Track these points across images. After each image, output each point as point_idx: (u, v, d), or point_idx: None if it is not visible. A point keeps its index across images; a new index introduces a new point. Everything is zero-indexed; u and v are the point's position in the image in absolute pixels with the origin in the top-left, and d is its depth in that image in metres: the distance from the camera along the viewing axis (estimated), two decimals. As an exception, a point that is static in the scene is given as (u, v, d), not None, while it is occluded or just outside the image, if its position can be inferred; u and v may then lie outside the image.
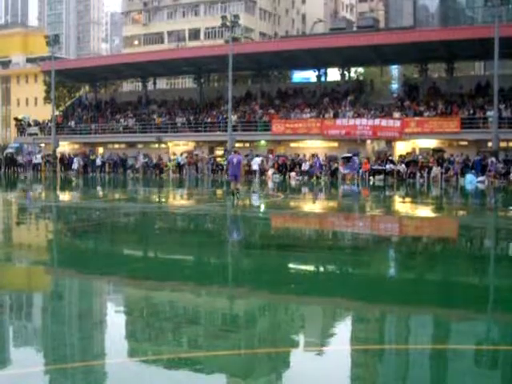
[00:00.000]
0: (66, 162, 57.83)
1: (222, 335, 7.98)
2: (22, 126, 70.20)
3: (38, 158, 57.07)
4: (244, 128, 53.57)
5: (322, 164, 47.39)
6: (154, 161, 54.08)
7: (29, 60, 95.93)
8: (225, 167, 46.12)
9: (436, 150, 46.70)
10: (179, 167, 52.22)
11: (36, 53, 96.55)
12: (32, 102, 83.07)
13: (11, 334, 8.34)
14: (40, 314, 9.60)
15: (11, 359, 7.21)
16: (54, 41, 64.15)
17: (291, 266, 13.25)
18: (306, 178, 46.12)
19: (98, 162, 56.23)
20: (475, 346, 7.58)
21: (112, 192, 37.63)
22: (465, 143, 48.48)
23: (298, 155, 49.33)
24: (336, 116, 51.59)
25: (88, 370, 6.70)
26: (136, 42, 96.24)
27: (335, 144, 52.36)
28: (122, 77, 71.19)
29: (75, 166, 54.48)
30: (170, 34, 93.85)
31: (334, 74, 61.86)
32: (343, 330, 8.57)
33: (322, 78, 60.21)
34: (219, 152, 56.05)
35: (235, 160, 27.35)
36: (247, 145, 55.07)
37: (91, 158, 56.72)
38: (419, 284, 11.29)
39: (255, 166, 47.72)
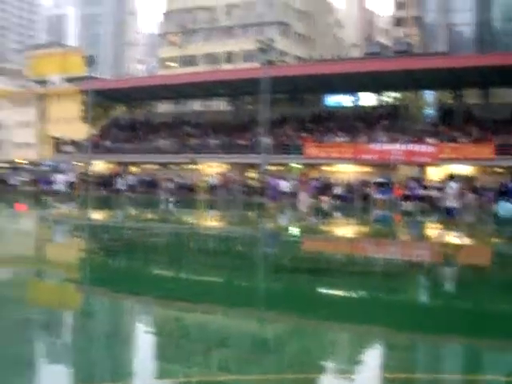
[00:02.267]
0: (102, 181, 58.36)
1: (251, 359, 8.01)
2: (58, 145, 71.02)
3: (71, 177, 57.59)
4: (277, 151, 53.61)
5: (355, 188, 47.31)
6: (187, 182, 54.29)
7: (67, 80, 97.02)
8: (258, 189, 46.25)
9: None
10: (211, 188, 52.39)
11: (73, 72, 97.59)
12: (69, 120, 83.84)
13: (41, 352, 8.48)
14: (70, 332, 9.69)
15: (40, 377, 7.35)
16: (91, 61, 64.95)
17: (324, 290, 13.27)
18: (338, 202, 46.01)
19: (131, 181, 56.61)
20: None
21: (143, 212, 37.87)
22: (500, 170, 48.07)
23: (330, 179, 49.26)
24: (369, 141, 51.50)
25: None
26: (171, 64, 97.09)
27: (368, 169, 52.19)
28: (157, 98, 71.72)
29: (120, 185, 54.84)
30: (205, 56, 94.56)
31: (367, 99, 61.79)
32: (373, 356, 8.57)
33: (356, 102, 60.21)
34: (252, 174, 56.12)
35: (274, 183, 27.52)
36: (280, 167, 55.07)
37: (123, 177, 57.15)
38: (453, 312, 11.17)
39: (286, 189, 47.69)
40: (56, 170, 63.29)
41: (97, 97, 66.05)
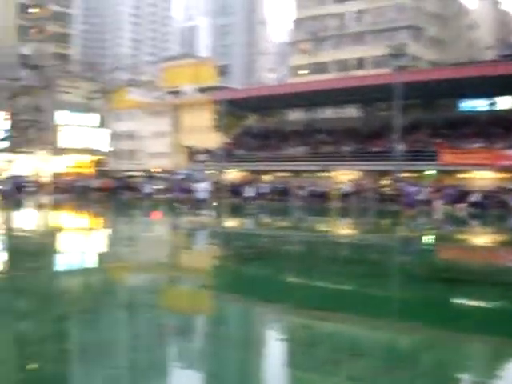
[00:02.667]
0: (235, 189, 59.19)
1: (384, 371, 7.90)
2: (192, 154, 72.74)
3: (203, 187, 58.71)
4: (410, 157, 52.76)
5: (492, 196, 45.91)
6: (319, 189, 54.33)
7: (199, 90, 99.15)
8: (391, 196, 45.69)
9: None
10: (344, 196, 52.19)
11: (206, 83, 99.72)
12: (202, 130, 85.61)
13: (175, 357, 8.73)
14: (203, 338, 9.89)
15: (170, 381, 7.57)
16: (223, 71, 66.11)
17: (462, 300, 12.94)
18: (474, 209, 44.76)
19: (265, 189, 57.20)
20: None
21: (276, 220, 38.14)
22: None
23: (465, 186, 48.03)
24: (507, 146, 49.86)
25: None
26: (302, 72, 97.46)
27: (505, 175, 50.48)
28: (289, 106, 72.15)
29: (248, 193, 55.41)
30: (335, 63, 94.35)
31: (505, 102, 59.83)
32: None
33: (492, 107, 58.48)
34: (385, 181, 55.53)
35: (408, 190, 27.18)
36: (413, 174, 54.19)
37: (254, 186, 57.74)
38: None
39: (420, 196, 46.78)
40: (191, 178, 64.62)
41: (229, 106, 67.18)
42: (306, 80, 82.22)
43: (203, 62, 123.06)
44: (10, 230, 27.74)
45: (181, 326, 10.55)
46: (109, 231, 29.25)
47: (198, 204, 36.79)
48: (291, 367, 8.15)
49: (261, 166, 64.10)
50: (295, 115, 76.41)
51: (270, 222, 36.43)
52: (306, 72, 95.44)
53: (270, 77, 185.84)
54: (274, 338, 9.84)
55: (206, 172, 67.23)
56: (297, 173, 62.08)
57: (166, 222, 35.51)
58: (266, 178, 64.67)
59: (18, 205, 47.24)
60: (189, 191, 55.39)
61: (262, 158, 64.28)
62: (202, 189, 35.70)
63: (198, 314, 11.67)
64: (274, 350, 9.03)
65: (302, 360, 8.42)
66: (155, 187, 62.67)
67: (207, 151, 70.79)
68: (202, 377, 7.82)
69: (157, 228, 31.41)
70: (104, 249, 22.03)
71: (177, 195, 55.02)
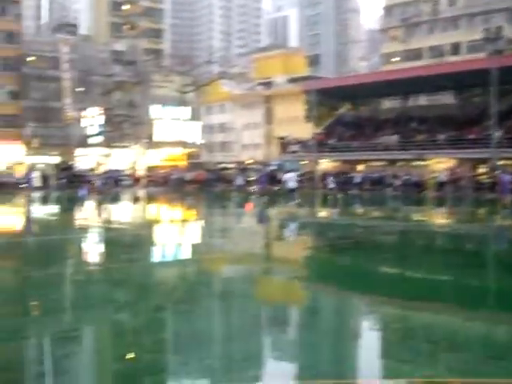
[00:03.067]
0: (324, 179, 58.90)
1: (479, 362, 7.67)
2: (284, 144, 72.78)
3: (299, 176, 58.69)
4: (507, 144, 51.28)
5: None
6: (414, 178, 53.52)
7: (290, 80, 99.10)
8: (488, 185, 44.55)
9: None
10: (440, 185, 51.22)
11: (296, 73, 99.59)
12: (293, 120, 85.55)
13: (269, 347, 8.69)
14: (296, 328, 9.84)
15: (266, 372, 7.51)
16: (314, 61, 65.82)
17: None
18: None
19: (357, 179, 56.76)
20: None
21: (370, 210, 37.75)
22: None
23: None
24: None
25: None
26: (395, 59, 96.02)
27: None
28: (382, 94, 71.26)
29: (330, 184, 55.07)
30: (429, 49, 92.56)
31: None
32: None
33: None
34: (482, 169, 54.16)
35: (506, 178, 26.43)
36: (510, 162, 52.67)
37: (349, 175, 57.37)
38: None
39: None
40: (283, 169, 64.61)
41: (320, 96, 66.89)
42: (399, 67, 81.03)
43: (293, 52, 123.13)
44: (107, 222, 28.32)
45: (275, 316, 10.48)
46: (202, 223, 29.54)
47: (287, 194, 36.73)
48: (387, 358, 7.96)
49: (353, 156, 63.57)
50: (388, 103, 75.41)
51: (363, 212, 36.10)
52: (399, 59, 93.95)
53: (362, 65, 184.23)
54: (369, 329, 9.67)
55: (300, 163, 67.18)
56: (391, 162, 61.26)
57: (258, 213, 35.56)
58: (360, 167, 64.10)
59: (114, 198, 48.28)
60: (277, 182, 55.42)
61: (354, 147, 63.76)
62: (291, 179, 35.64)
63: (292, 305, 11.59)
64: (370, 341, 8.85)
65: (395, 351, 8.30)
66: (248, 179, 62.92)
67: (299, 142, 70.67)
68: (298, 368, 7.72)
69: (249, 219, 31.50)
70: (198, 240, 22.25)
71: (263, 186, 55.09)
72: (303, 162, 67.77)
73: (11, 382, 7.06)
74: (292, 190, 35.99)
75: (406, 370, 7.39)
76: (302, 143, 69.94)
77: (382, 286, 12.57)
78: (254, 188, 55.50)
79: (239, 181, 61.14)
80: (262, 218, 30.99)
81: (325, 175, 59.31)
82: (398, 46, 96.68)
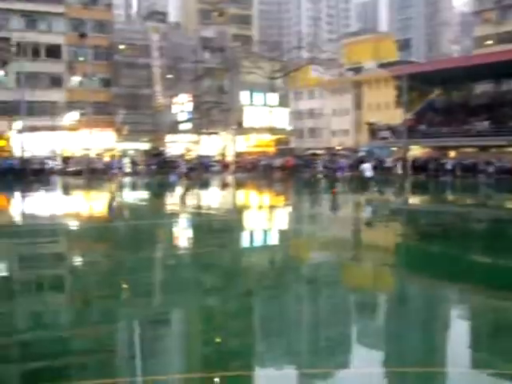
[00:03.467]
0: (417, 165, 58.00)
1: None
2: (373, 130, 71.94)
3: (388, 162, 58.03)
4: None
5: None
6: (509, 165, 52.06)
7: (380, 65, 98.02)
8: None
9: None
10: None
11: (387, 58, 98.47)
12: (383, 106, 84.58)
13: (355, 333, 8.73)
14: (384, 316, 9.80)
15: (353, 358, 7.50)
16: (404, 45, 64.75)
17: None
18: None
19: (448, 166, 55.63)
20: None
21: (462, 197, 36.95)
22: None
23: None
24: None
25: (428, 375, 6.71)
26: (487, 42, 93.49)
27: None
28: (474, 79, 69.48)
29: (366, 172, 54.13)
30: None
31: None
32: None
33: None
34: None
35: None
36: None
37: (441, 161, 56.28)
38: None
39: None
40: (372, 155, 63.91)
41: (411, 81, 65.69)
42: (492, 51, 78.84)
43: (383, 37, 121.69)
44: (196, 208, 28.55)
45: (364, 303, 10.40)
46: (290, 209, 29.38)
47: (365, 182, 36.42)
48: (477, 349, 7.78)
49: (444, 142, 62.24)
50: (481, 88, 73.44)
51: (455, 199, 35.37)
52: (492, 42, 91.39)
53: (453, 49, 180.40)
54: (456, 318, 9.58)
55: (392, 149, 66.37)
56: (483, 148, 59.69)
57: (345, 199, 35.22)
58: (452, 154, 62.75)
59: (204, 184, 48.68)
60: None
61: (445, 133, 62.39)
62: (367, 169, 35.37)
63: (381, 292, 11.45)
64: (460, 331, 8.73)
65: (484, 341, 8.19)
66: (331, 166, 62.52)
67: (389, 128, 69.70)
68: (386, 354, 7.66)
69: (340, 205, 31.18)
70: (286, 226, 22.19)
71: (341, 173, 54.59)
72: (393, 148, 66.84)
73: (105, 363, 7.21)
74: (370, 179, 35.67)
75: (496, 362, 7.21)
76: (391, 129, 68.98)
77: (474, 275, 12.30)
78: (341, 174, 55.14)
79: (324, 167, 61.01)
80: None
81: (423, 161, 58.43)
82: (492, 28, 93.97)
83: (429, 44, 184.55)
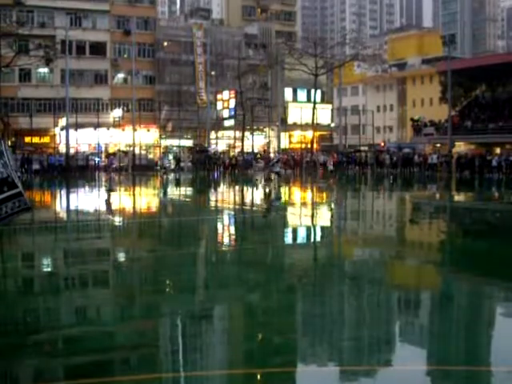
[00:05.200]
0: (462, 162, 57.40)
1: None
2: (417, 127, 71.37)
3: (433, 159, 57.49)
4: None
5: None
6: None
7: (424, 61, 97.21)
8: None
9: None
10: None
11: (431, 53, 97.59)
12: (427, 102, 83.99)
13: (396, 332, 8.62)
14: (427, 314, 9.69)
15: (395, 356, 7.42)
16: (449, 41, 64.08)
17: None
18: None
19: (494, 162, 54.99)
20: None
21: (508, 194, 36.48)
22: None
23: None
24: None
25: (472, 374, 6.69)
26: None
27: None
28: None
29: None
30: None
31: None
32: None
33: None
34: None
35: None
36: None
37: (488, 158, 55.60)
38: None
39: None
40: (417, 152, 63.47)
41: (456, 77, 65.06)
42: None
43: (428, 32, 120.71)
44: (239, 204, 28.64)
45: (407, 301, 10.41)
46: (334, 205, 29.26)
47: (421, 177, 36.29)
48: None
49: (490, 139, 61.49)
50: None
51: (501, 196, 34.95)
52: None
53: (499, 44, 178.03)
54: (498, 316, 9.47)
55: (435, 145, 65.82)
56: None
57: (389, 196, 35.05)
58: (497, 150, 61.98)
59: (247, 180, 48.74)
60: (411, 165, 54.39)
61: (491, 129, 61.65)
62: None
63: (424, 290, 11.32)
64: (498, 328, 8.68)
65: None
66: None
67: (433, 124, 69.11)
68: (429, 354, 7.56)
69: (381, 202, 31.04)
70: (330, 223, 22.11)
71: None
72: (438, 145, 66.27)
73: (149, 358, 7.25)
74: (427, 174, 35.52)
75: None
76: (436, 125, 68.38)
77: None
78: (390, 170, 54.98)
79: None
80: (403, 198, 30.40)
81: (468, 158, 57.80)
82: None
83: (474, 39, 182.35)
